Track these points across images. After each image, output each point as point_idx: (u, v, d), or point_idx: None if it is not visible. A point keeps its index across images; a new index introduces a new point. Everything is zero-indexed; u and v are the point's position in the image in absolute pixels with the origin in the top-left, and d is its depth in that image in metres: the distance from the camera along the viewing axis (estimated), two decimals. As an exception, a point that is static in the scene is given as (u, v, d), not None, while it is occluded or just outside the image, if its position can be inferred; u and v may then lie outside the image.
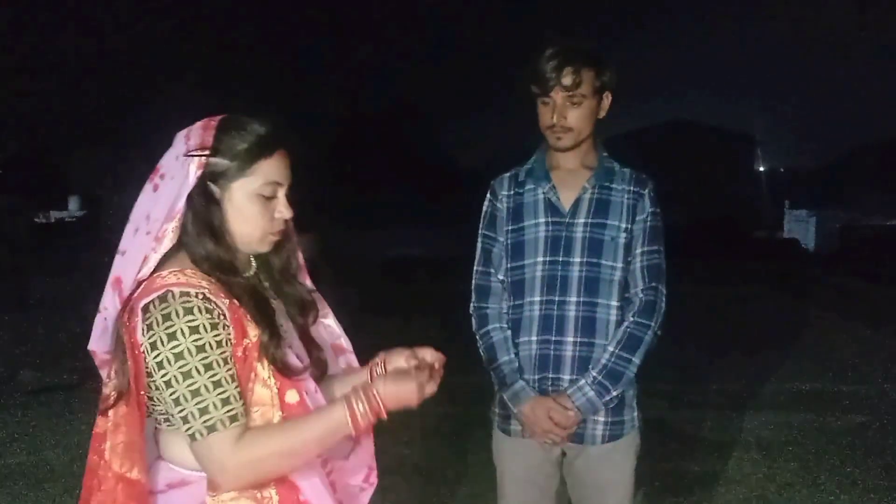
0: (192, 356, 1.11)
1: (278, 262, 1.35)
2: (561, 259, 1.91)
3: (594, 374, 1.88)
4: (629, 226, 1.92)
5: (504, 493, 2.07)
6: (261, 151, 1.22)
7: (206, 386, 1.12)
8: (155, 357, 1.12)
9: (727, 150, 28.58)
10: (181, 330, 1.12)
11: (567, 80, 1.85)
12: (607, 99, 1.94)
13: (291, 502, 1.22)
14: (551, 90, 1.87)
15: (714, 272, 13.01)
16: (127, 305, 1.17)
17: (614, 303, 1.92)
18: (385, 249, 15.57)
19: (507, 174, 2.04)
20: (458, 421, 4.42)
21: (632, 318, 1.90)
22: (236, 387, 1.15)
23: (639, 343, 1.89)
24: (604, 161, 1.98)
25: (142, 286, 1.17)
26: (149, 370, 1.14)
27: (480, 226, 2.04)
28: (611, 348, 1.89)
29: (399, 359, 1.34)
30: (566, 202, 1.94)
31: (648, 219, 1.93)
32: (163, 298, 1.14)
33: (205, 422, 1.12)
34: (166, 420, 1.20)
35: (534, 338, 1.93)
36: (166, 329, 1.12)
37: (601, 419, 1.93)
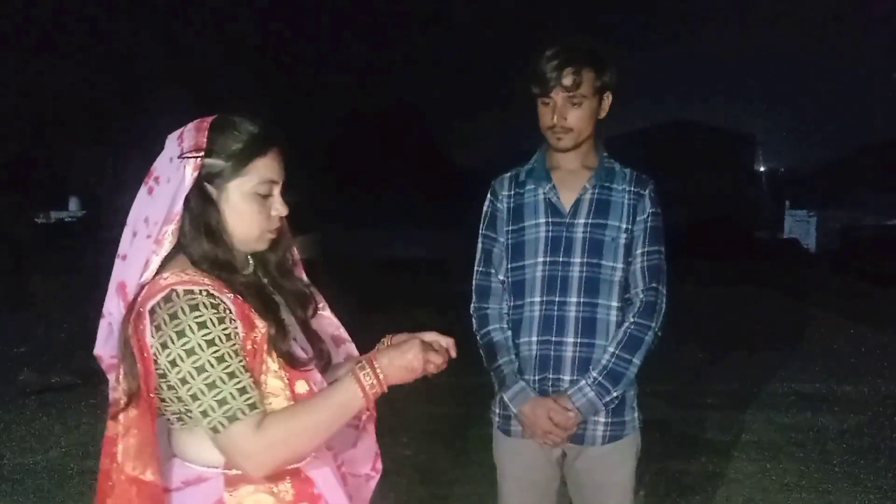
0: (203, 351, 1.13)
1: (274, 258, 1.36)
2: (561, 259, 1.91)
3: (594, 374, 1.88)
4: (629, 226, 1.92)
5: (504, 494, 2.06)
6: (255, 150, 1.23)
7: (221, 378, 1.13)
8: (167, 356, 1.13)
9: (727, 150, 28.59)
10: (189, 327, 1.13)
11: (567, 80, 1.85)
12: (608, 99, 1.94)
13: (306, 495, 1.24)
14: (552, 90, 1.87)
15: (714, 272, 13.01)
16: (132, 309, 1.18)
17: (615, 303, 1.92)
18: (385, 249, 15.56)
19: (508, 174, 2.04)
20: (458, 421, 4.43)
21: (632, 319, 1.90)
22: (250, 376, 1.16)
23: (639, 344, 1.89)
24: (604, 161, 1.98)
25: (145, 289, 1.18)
26: (162, 370, 1.15)
27: (481, 226, 2.04)
28: (611, 349, 1.89)
29: (404, 340, 1.35)
30: (566, 202, 1.94)
31: (649, 219, 1.93)
32: (168, 298, 1.15)
33: (224, 412, 1.13)
34: (179, 419, 1.21)
35: (534, 338, 1.93)
36: (175, 327, 1.13)
37: (601, 420, 1.93)
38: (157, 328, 1.14)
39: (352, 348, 1.49)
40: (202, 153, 1.20)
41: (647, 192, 1.94)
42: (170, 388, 1.16)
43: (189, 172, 1.18)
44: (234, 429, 1.13)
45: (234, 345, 1.16)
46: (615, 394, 1.89)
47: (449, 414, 4.62)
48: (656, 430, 4.25)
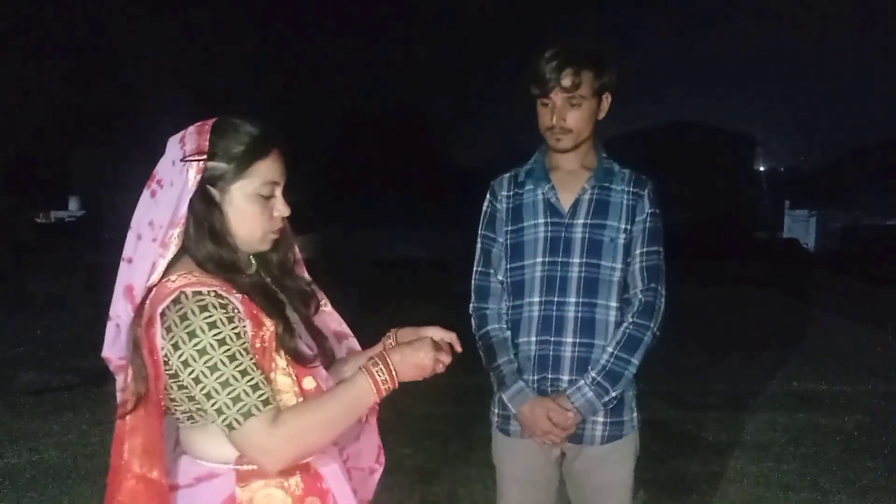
0: (214, 350, 1.14)
1: (276, 257, 1.38)
2: (560, 260, 1.91)
3: (593, 374, 1.88)
4: (628, 226, 1.92)
5: (503, 494, 2.07)
6: (257, 152, 1.24)
7: (233, 376, 1.14)
8: (179, 357, 1.15)
9: (727, 150, 28.60)
10: (200, 327, 1.14)
11: (566, 81, 1.85)
12: (607, 100, 1.94)
13: (315, 490, 1.27)
14: (551, 91, 1.87)
15: (714, 272, 13.02)
16: (140, 312, 1.19)
17: (613, 303, 1.92)
18: (385, 249, 15.58)
19: (507, 175, 2.04)
20: (458, 421, 4.43)
21: (631, 319, 1.90)
22: (261, 374, 1.18)
23: (638, 344, 1.89)
24: (603, 162, 1.98)
25: (153, 292, 1.19)
26: (173, 371, 1.16)
27: (480, 226, 2.04)
28: (610, 349, 1.89)
29: (409, 334, 1.39)
30: (565, 203, 1.94)
31: (648, 219, 1.93)
32: (177, 301, 1.16)
33: (239, 409, 1.14)
34: (189, 418, 1.23)
35: (533, 338, 1.93)
36: (185, 328, 1.14)
37: (600, 420, 1.93)
38: (168, 330, 1.15)
39: (354, 343, 1.51)
40: (204, 156, 1.21)
41: (645, 192, 1.95)
42: (181, 388, 1.18)
43: (192, 176, 1.20)
44: (250, 425, 1.15)
45: (245, 343, 1.18)
46: (614, 394, 1.89)
47: (449, 414, 4.62)
48: (656, 430, 4.26)
